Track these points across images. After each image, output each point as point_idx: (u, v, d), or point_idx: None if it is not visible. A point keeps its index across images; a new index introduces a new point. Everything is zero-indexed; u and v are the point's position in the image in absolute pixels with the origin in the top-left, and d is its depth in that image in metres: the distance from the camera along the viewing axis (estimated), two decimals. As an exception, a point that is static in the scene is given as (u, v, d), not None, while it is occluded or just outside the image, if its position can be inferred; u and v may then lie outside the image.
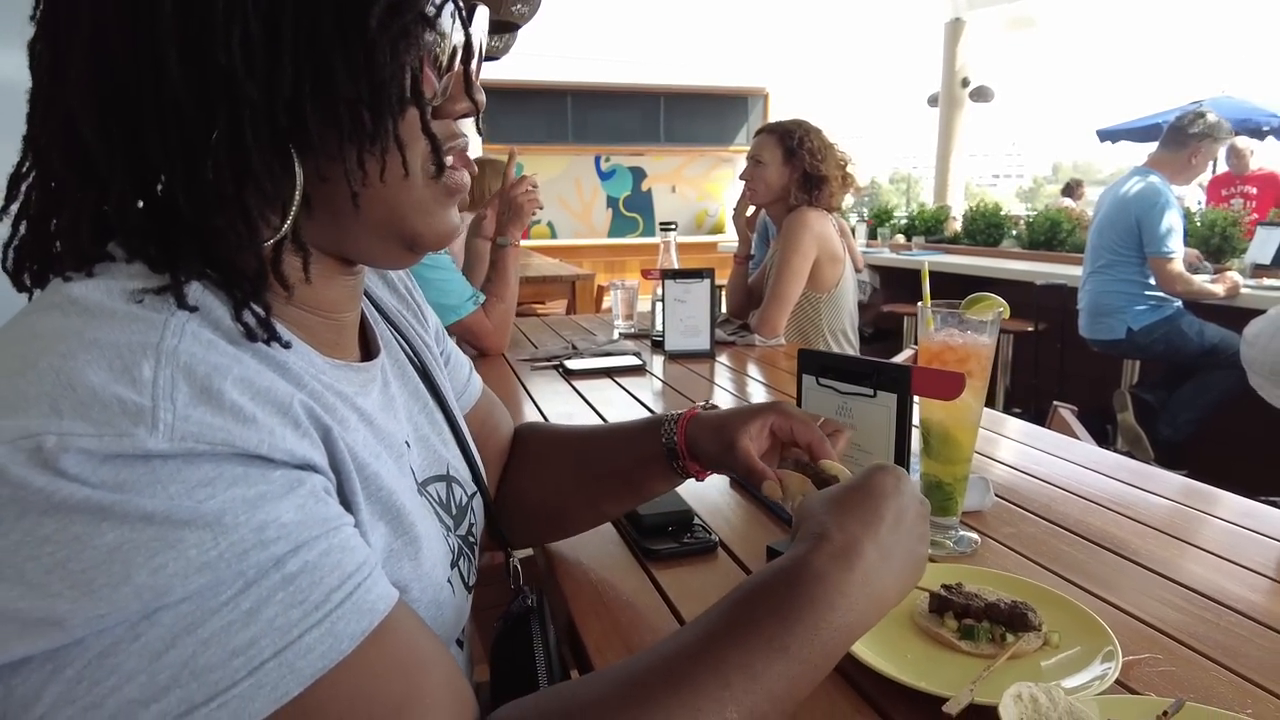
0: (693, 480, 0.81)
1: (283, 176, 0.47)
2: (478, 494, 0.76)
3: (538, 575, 0.88)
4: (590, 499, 0.87)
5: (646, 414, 1.55)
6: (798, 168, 2.34)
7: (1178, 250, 3.37)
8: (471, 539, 0.73)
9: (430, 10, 0.49)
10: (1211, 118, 3.46)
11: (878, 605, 0.54)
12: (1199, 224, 4.15)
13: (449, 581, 0.61)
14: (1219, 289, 3.36)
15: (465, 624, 0.72)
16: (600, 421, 1.49)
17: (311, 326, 0.55)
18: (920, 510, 0.59)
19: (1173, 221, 3.35)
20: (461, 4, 0.52)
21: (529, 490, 0.87)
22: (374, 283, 0.76)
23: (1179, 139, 3.47)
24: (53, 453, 0.36)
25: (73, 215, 0.47)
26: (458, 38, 0.52)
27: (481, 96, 0.55)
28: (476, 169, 0.57)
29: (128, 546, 0.37)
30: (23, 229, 0.50)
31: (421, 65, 0.50)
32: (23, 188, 0.49)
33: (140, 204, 0.47)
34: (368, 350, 0.65)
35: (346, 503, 0.49)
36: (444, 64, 0.53)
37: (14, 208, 0.50)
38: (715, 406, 0.93)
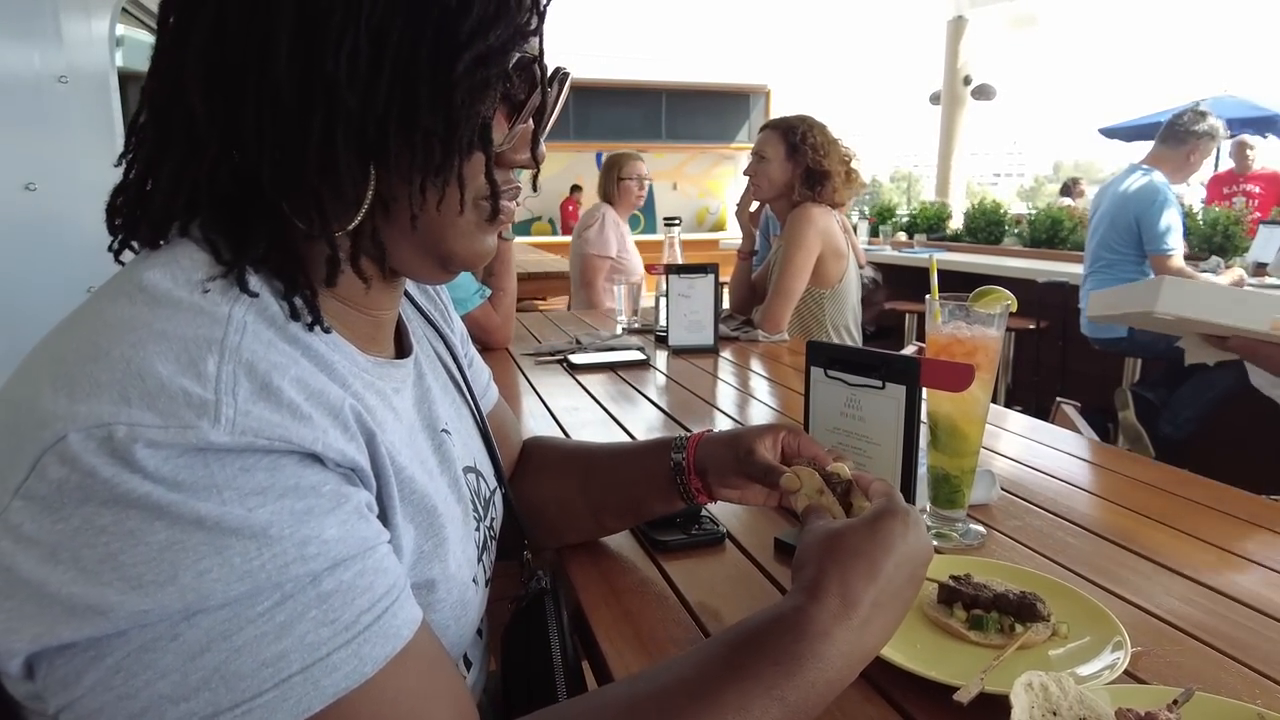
0: (670, 444, 0.83)
1: (360, 181, 0.50)
2: (498, 489, 0.78)
3: (548, 566, 0.88)
4: (593, 512, 0.88)
5: (651, 408, 1.55)
6: (800, 163, 2.35)
7: (1178, 247, 3.35)
8: (493, 532, 0.74)
9: (515, 68, 0.53)
10: (1211, 116, 3.43)
11: (865, 656, 0.55)
12: (1200, 222, 4.15)
13: (474, 580, 0.63)
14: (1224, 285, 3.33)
15: (483, 615, 0.73)
16: (605, 415, 1.49)
17: (352, 322, 0.57)
18: (923, 557, 0.58)
19: (1172, 219, 3.33)
20: (547, 67, 0.57)
21: (534, 499, 0.88)
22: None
23: (1178, 136, 3.45)
24: (123, 443, 0.38)
25: (170, 175, 0.50)
26: (535, 98, 0.57)
27: (543, 153, 0.59)
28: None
29: (177, 547, 0.39)
30: (131, 176, 0.53)
31: (495, 114, 0.53)
32: (134, 140, 0.53)
33: (226, 176, 0.50)
34: (401, 346, 0.67)
35: (384, 507, 0.51)
36: (518, 116, 0.56)
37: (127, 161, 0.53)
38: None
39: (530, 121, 0.58)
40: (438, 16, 0.49)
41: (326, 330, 0.52)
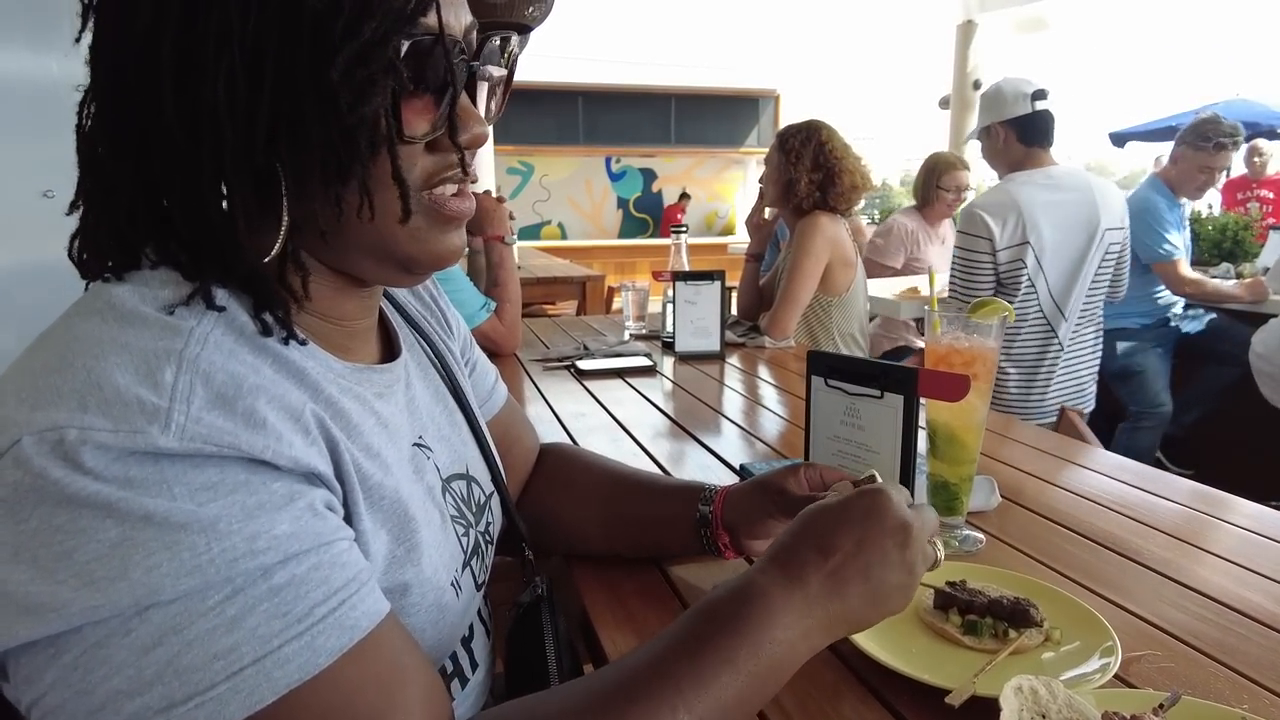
0: (705, 479, 0.84)
1: (267, 205, 0.50)
2: (495, 493, 0.78)
3: (551, 568, 0.90)
4: (607, 537, 0.89)
5: (657, 414, 1.57)
6: (787, 170, 2.36)
7: (1177, 251, 3.18)
8: (488, 536, 0.75)
9: (409, 55, 0.50)
10: (1224, 124, 3.21)
11: (825, 628, 0.56)
12: (1210, 228, 4.13)
13: (454, 584, 0.63)
14: (1241, 291, 3.23)
15: (477, 619, 0.74)
16: (612, 421, 1.51)
17: (326, 333, 0.58)
18: (900, 538, 0.58)
19: (1160, 225, 3.16)
20: (460, 40, 0.53)
21: (550, 509, 0.90)
22: (399, 288, 0.78)
23: (1183, 145, 3.22)
24: (73, 445, 0.40)
25: (97, 220, 0.52)
26: (458, 72, 0.53)
27: (478, 131, 0.55)
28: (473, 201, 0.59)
29: (128, 544, 0.40)
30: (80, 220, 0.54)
31: (398, 107, 0.50)
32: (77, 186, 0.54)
33: (156, 215, 0.51)
34: (391, 352, 0.68)
35: (350, 510, 0.51)
36: (443, 98, 0.53)
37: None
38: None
39: (466, 100, 0.55)
40: (311, 22, 0.46)
41: (302, 343, 0.53)
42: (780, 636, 0.53)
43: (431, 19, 0.50)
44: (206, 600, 0.41)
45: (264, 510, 0.43)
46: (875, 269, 3.58)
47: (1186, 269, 3.26)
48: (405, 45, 0.49)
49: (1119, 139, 9.70)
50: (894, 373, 0.83)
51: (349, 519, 0.51)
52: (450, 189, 0.56)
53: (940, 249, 3.68)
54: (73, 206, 0.53)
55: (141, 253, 0.51)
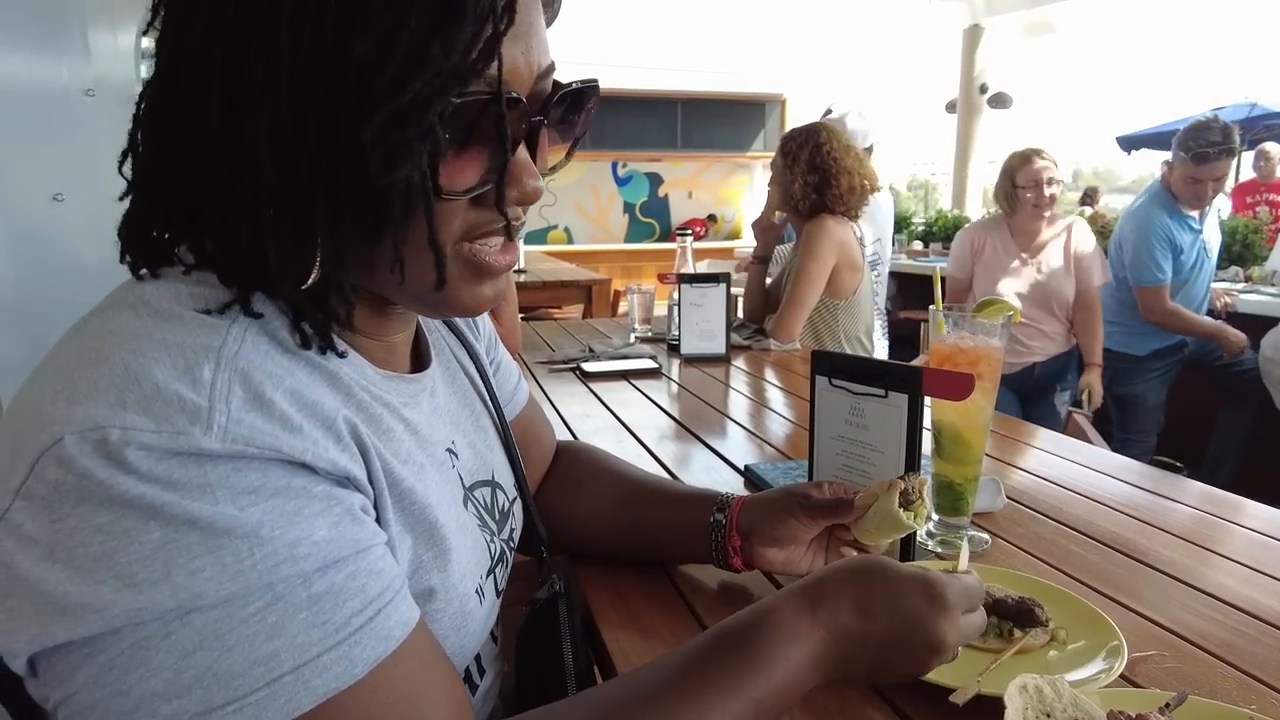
0: (710, 480, 0.84)
1: (302, 242, 0.48)
2: (518, 499, 0.78)
3: (560, 569, 0.90)
4: (615, 540, 0.89)
5: (663, 416, 1.57)
6: (793, 175, 2.36)
7: (1156, 281, 3.00)
8: (511, 544, 0.75)
9: (459, 112, 0.47)
10: (1215, 130, 2.90)
11: (824, 671, 0.56)
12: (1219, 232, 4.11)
13: (478, 591, 0.63)
14: (1218, 338, 3.01)
15: (495, 623, 0.74)
16: (617, 423, 1.51)
17: (363, 346, 0.57)
18: (933, 646, 0.56)
19: (1151, 247, 3.00)
20: (525, 92, 0.50)
21: (559, 508, 0.89)
22: None
23: (1178, 151, 2.97)
24: (117, 446, 0.40)
25: (139, 218, 0.52)
26: (515, 133, 0.50)
27: (532, 189, 0.53)
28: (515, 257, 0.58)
29: (171, 546, 0.39)
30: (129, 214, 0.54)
31: (436, 167, 0.47)
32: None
33: (194, 220, 0.51)
34: (420, 360, 0.67)
35: (380, 516, 0.52)
36: (495, 153, 0.50)
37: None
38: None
39: (524, 154, 0.52)
40: (357, 71, 0.44)
41: (342, 355, 0.52)
42: (788, 670, 0.53)
43: (493, 70, 0.47)
44: (248, 606, 0.41)
45: (304, 515, 0.43)
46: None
47: (1166, 297, 3.02)
48: (454, 104, 0.46)
49: (1127, 144, 9.68)
50: (898, 372, 0.83)
51: (379, 523, 0.51)
52: (494, 242, 0.54)
53: (1029, 265, 3.03)
54: (124, 195, 0.53)
55: (175, 252, 0.51)
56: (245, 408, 0.43)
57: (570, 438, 1.41)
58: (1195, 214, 3.05)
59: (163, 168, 0.50)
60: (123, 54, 2.33)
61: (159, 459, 0.40)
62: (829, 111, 3.24)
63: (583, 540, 0.90)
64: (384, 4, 0.44)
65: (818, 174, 2.34)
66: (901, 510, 0.71)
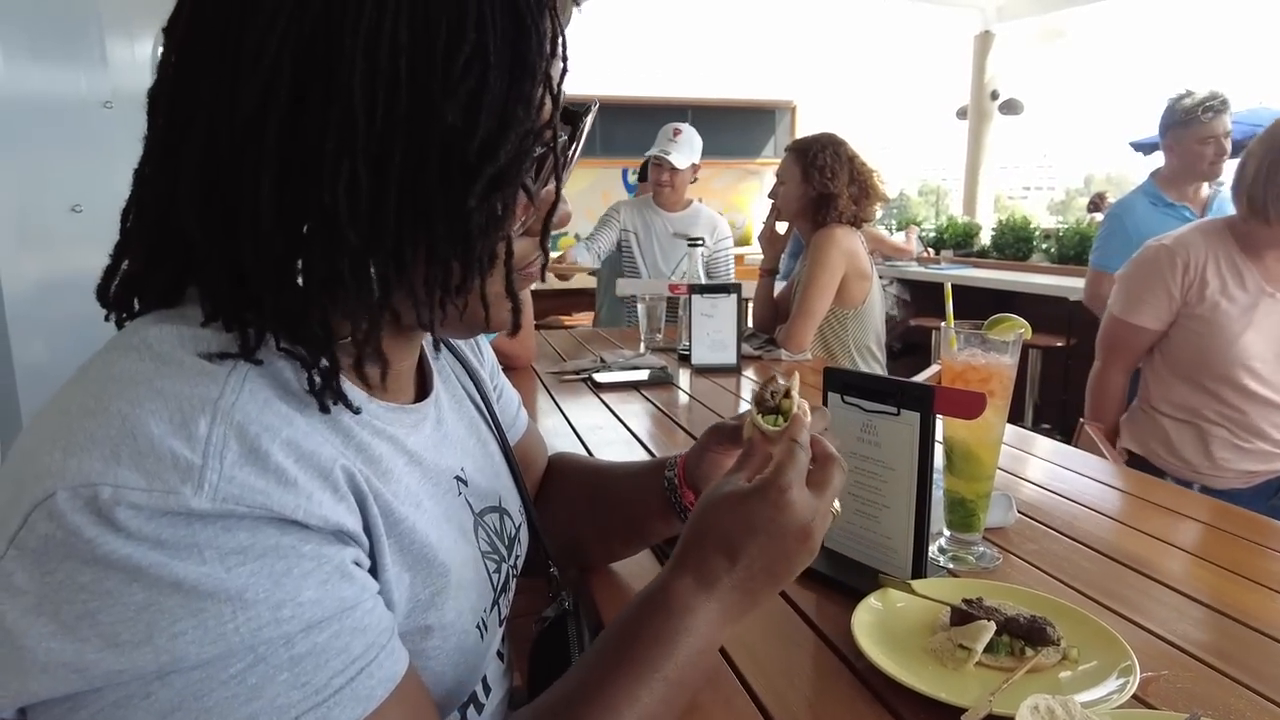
0: (665, 464, 0.85)
1: (369, 309, 0.49)
2: (524, 523, 0.78)
3: (571, 584, 0.91)
4: (601, 534, 0.90)
5: (674, 426, 1.58)
6: (812, 186, 2.37)
7: (1105, 264, 2.79)
8: (516, 570, 0.75)
9: (530, 177, 0.51)
10: (1188, 98, 2.70)
11: (735, 618, 0.59)
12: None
13: (480, 626, 0.63)
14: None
15: (503, 640, 0.75)
16: (628, 434, 1.52)
17: (370, 374, 0.57)
18: (802, 536, 0.58)
19: (1108, 232, 2.86)
20: (567, 142, 0.54)
21: (549, 515, 0.90)
22: None
23: (1170, 135, 2.77)
24: (107, 504, 0.40)
25: (170, 276, 0.51)
26: (568, 167, 0.56)
27: (566, 211, 0.57)
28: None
29: (154, 609, 0.39)
30: (126, 265, 0.53)
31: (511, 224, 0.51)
32: (126, 226, 0.53)
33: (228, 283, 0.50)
34: (423, 387, 0.67)
35: (376, 560, 0.51)
36: (535, 193, 0.54)
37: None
38: None
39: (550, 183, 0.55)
40: (441, 138, 0.46)
41: (356, 411, 0.52)
42: (699, 640, 0.56)
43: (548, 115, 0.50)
44: (228, 668, 0.41)
45: (292, 575, 0.43)
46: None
47: (1102, 282, 2.73)
48: (535, 157, 0.50)
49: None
50: (910, 390, 0.83)
51: (375, 568, 0.51)
52: (535, 268, 0.59)
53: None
54: (119, 250, 0.53)
55: (184, 292, 0.51)
56: (239, 463, 0.42)
57: (581, 449, 1.42)
58: (1192, 206, 2.75)
59: (208, 236, 0.48)
60: (139, 64, 2.35)
61: (148, 518, 0.40)
62: (679, 132, 3.31)
63: (576, 544, 0.90)
64: (462, 68, 0.46)
65: (857, 184, 2.38)
66: (762, 418, 0.67)
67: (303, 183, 0.46)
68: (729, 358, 2.10)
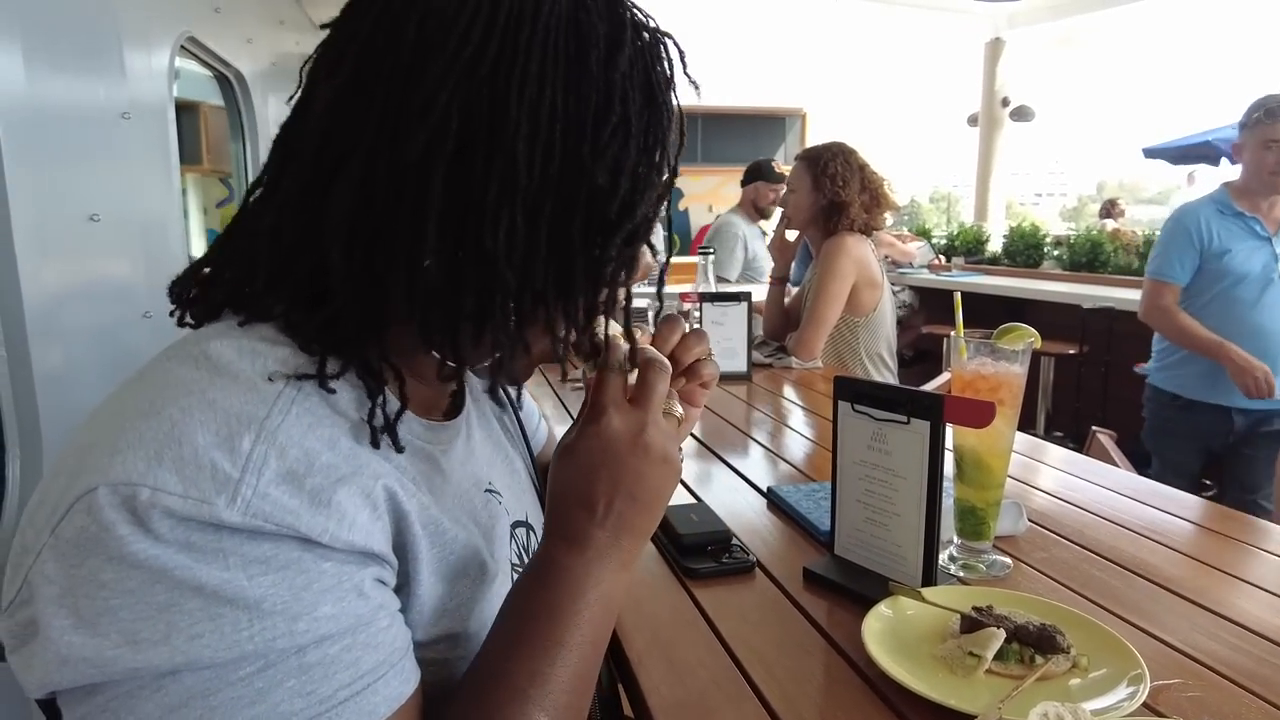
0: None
1: (509, 342, 0.54)
2: None
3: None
4: None
5: (687, 439, 1.58)
6: (823, 194, 2.38)
7: (1159, 273, 2.60)
8: None
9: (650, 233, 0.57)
10: (1271, 101, 2.46)
11: (627, 560, 0.58)
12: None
13: None
14: (1226, 361, 2.45)
15: None
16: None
17: (418, 392, 0.59)
18: (640, 451, 0.57)
19: (1164, 239, 2.63)
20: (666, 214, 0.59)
21: None
22: None
23: (1242, 135, 2.54)
24: (144, 506, 0.41)
25: (287, 300, 0.53)
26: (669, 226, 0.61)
27: (650, 262, 0.61)
28: None
29: (175, 610, 0.41)
30: (226, 274, 0.56)
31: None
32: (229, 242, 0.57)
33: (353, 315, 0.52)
34: (456, 402, 0.68)
35: (408, 576, 0.53)
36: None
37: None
38: None
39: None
40: (587, 195, 0.52)
41: (400, 450, 0.54)
42: (593, 597, 0.56)
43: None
44: (238, 671, 0.42)
45: (310, 590, 0.44)
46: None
47: (1155, 294, 2.59)
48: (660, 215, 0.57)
49: (1153, 155, 9.58)
50: (920, 399, 0.84)
51: (406, 581, 0.52)
52: None
53: None
54: (211, 262, 0.56)
55: (271, 309, 0.53)
56: (275, 482, 0.44)
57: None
58: (1265, 221, 2.50)
59: (353, 272, 0.51)
60: (156, 75, 2.38)
61: (179, 523, 0.42)
62: None
63: None
64: (609, 134, 0.52)
65: (868, 192, 2.39)
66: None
67: (463, 226, 0.50)
68: (740, 365, 2.11)
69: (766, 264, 3.52)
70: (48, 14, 1.86)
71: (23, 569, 0.44)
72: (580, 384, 2.01)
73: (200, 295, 0.57)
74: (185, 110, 3.11)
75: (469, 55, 0.49)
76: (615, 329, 0.63)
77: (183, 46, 2.46)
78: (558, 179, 0.51)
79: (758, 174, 4.06)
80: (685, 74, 0.58)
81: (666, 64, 0.56)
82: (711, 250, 2.43)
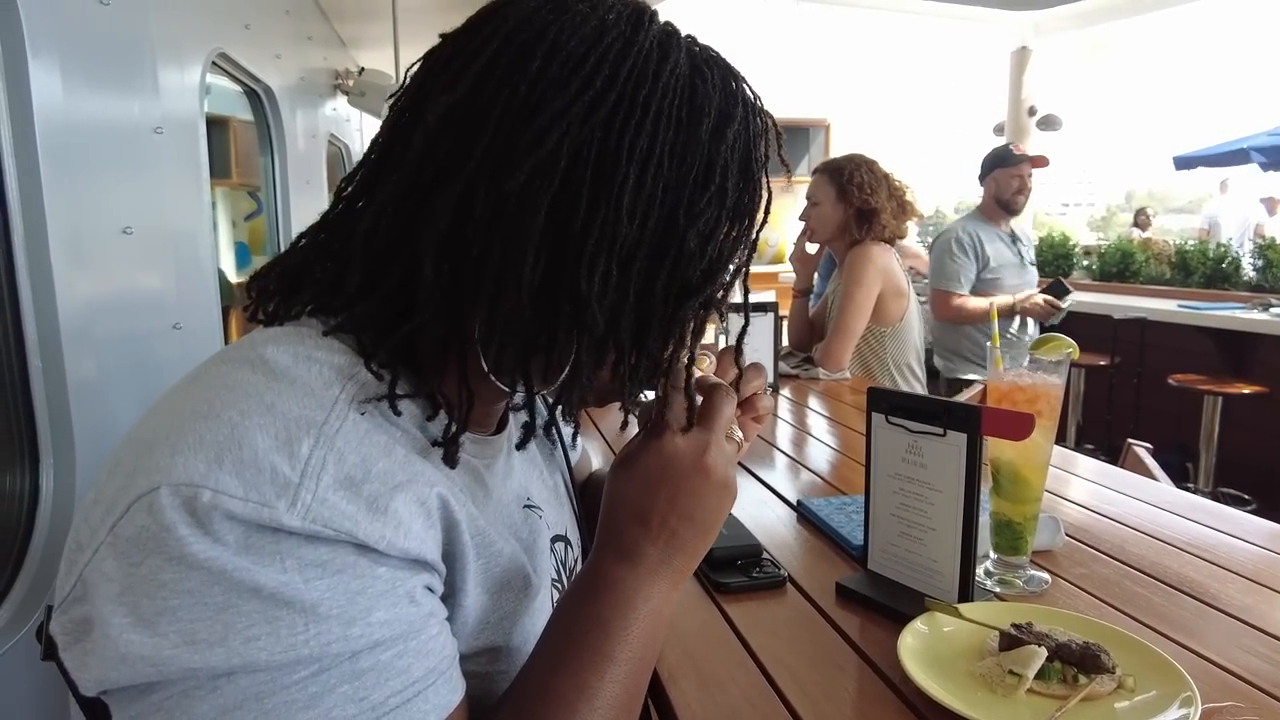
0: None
1: (588, 378, 0.54)
2: (581, 553, 0.79)
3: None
4: None
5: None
6: (851, 203, 2.37)
7: None
8: None
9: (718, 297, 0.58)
10: None
11: (676, 579, 0.58)
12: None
13: None
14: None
15: None
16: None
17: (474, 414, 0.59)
18: (702, 471, 0.57)
19: None
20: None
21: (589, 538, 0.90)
22: None
23: None
24: (206, 508, 0.41)
25: (370, 310, 0.53)
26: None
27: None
28: None
29: (232, 611, 0.41)
30: (317, 272, 0.56)
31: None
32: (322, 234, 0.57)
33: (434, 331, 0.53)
34: (500, 420, 0.69)
35: (455, 585, 0.53)
36: None
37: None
38: None
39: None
40: (675, 256, 0.53)
41: (453, 465, 0.53)
42: (643, 612, 0.55)
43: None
44: (293, 675, 0.42)
45: (365, 595, 0.44)
46: None
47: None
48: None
49: (1183, 164, 9.45)
50: (957, 411, 0.82)
51: (453, 592, 0.53)
52: None
53: None
54: (299, 256, 0.57)
55: (346, 312, 0.53)
56: (333, 487, 0.44)
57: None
58: None
59: (441, 285, 0.51)
60: (188, 89, 2.42)
61: (239, 525, 0.42)
62: None
63: None
64: (706, 202, 0.53)
65: (895, 200, 2.38)
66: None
67: (560, 264, 0.51)
68: (766, 377, 2.09)
69: (1010, 270, 3.14)
70: (85, 32, 1.90)
71: (78, 566, 0.44)
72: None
73: (282, 289, 0.56)
74: (215, 125, 3.16)
75: (588, 100, 0.50)
76: (703, 361, 0.67)
77: (214, 62, 2.50)
78: (653, 234, 0.52)
79: (996, 162, 3.24)
80: (779, 155, 0.60)
81: (765, 144, 0.58)
82: (736, 260, 2.42)
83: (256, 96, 2.92)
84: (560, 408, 0.58)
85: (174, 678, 0.41)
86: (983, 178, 3.32)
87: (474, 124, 0.51)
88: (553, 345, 0.53)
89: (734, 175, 0.55)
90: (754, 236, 0.59)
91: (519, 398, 0.75)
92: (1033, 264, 3.31)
